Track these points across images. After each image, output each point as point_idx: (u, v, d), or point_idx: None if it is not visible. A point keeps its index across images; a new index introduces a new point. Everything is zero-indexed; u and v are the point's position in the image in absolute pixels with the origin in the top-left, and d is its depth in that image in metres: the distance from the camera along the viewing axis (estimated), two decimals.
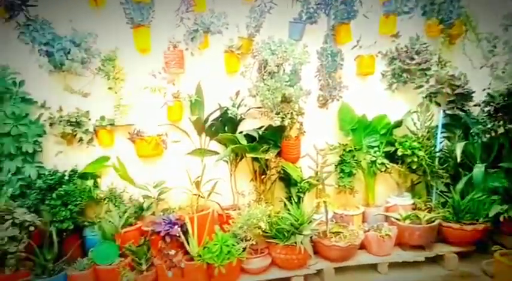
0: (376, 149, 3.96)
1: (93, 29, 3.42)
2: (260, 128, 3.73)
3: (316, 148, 3.63)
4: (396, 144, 3.91)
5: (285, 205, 3.64)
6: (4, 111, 3.29)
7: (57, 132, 3.55)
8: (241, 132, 3.65)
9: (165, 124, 3.70)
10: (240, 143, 3.43)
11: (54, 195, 3.34)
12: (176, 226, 3.33)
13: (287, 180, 3.85)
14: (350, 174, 3.92)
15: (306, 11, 3.62)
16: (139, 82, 3.59)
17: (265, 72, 3.35)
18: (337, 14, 3.59)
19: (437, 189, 3.98)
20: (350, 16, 3.62)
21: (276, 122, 3.48)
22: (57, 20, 3.36)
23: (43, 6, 3.37)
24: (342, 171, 3.93)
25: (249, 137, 3.59)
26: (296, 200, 3.71)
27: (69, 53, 3.13)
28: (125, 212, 3.49)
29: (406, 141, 3.88)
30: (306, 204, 3.75)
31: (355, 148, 3.95)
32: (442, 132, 4.04)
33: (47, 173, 3.50)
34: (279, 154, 3.79)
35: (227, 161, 3.79)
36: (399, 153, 3.85)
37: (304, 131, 3.91)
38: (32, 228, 3.18)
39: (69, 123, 3.50)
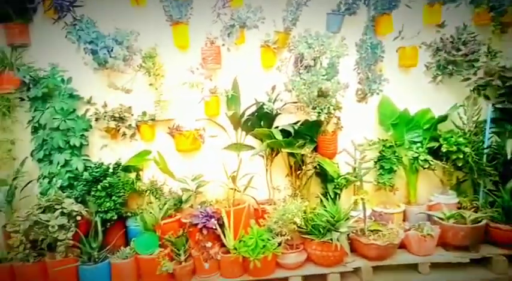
0: (418, 144, 3.79)
1: (135, 27, 3.53)
2: (296, 123, 3.70)
3: (354, 143, 3.53)
4: (441, 140, 3.73)
5: (321, 201, 3.59)
6: (54, 106, 3.50)
7: (102, 127, 3.72)
8: (276, 127, 3.64)
9: (203, 119, 3.77)
10: (276, 138, 3.42)
11: (99, 187, 3.51)
12: (213, 219, 3.39)
13: (323, 176, 3.79)
14: (390, 171, 3.80)
15: (344, 2, 3.51)
16: (178, 78, 3.67)
17: (301, 66, 3.31)
18: (377, 4, 3.45)
19: (484, 187, 3.76)
20: (391, 6, 3.48)
21: (312, 117, 3.43)
22: (101, 19, 3.51)
23: (88, 6, 3.53)
24: (382, 167, 3.81)
25: (285, 132, 3.56)
26: (332, 197, 3.65)
27: (111, 50, 3.26)
28: (164, 204, 3.60)
29: (452, 137, 3.68)
30: (343, 200, 3.67)
31: (396, 144, 3.81)
32: (490, 128, 3.79)
33: (92, 165, 3.69)
34: (315, 149, 3.74)
35: (263, 156, 3.80)
36: (444, 149, 3.66)
37: (342, 126, 3.82)
38: (79, 217, 3.37)
39: (112, 119, 3.65)
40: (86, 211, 3.48)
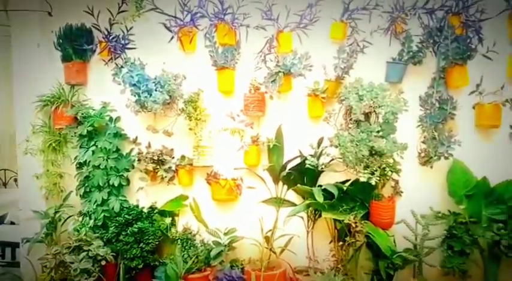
0: (501, 225, 3.00)
1: (181, 71, 3.47)
2: (345, 182, 3.22)
3: (415, 215, 2.97)
4: None
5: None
6: (97, 145, 3.55)
7: (142, 168, 3.66)
8: (320, 186, 3.19)
9: (242, 168, 3.50)
10: (315, 200, 2.98)
11: (128, 231, 3.39)
12: None
13: (375, 249, 3.18)
14: (462, 253, 3.06)
15: (407, 49, 3.04)
16: (218, 124, 3.51)
17: (350, 120, 2.89)
18: (447, 53, 2.89)
19: None
20: (465, 56, 2.88)
21: (362, 178, 2.94)
22: (152, 62, 3.53)
23: (141, 49, 3.59)
24: (451, 248, 3.08)
25: (329, 193, 3.10)
26: (384, 277, 3.02)
27: (152, 94, 3.22)
28: (191, 257, 3.35)
29: None
30: None
31: (470, 220, 3.08)
32: None
33: (128, 207, 3.61)
34: (367, 216, 3.19)
35: (302, 217, 3.35)
36: None
37: (401, 191, 3.24)
38: (103, 262, 3.27)
39: (151, 161, 3.58)
40: (113, 255, 3.37)
